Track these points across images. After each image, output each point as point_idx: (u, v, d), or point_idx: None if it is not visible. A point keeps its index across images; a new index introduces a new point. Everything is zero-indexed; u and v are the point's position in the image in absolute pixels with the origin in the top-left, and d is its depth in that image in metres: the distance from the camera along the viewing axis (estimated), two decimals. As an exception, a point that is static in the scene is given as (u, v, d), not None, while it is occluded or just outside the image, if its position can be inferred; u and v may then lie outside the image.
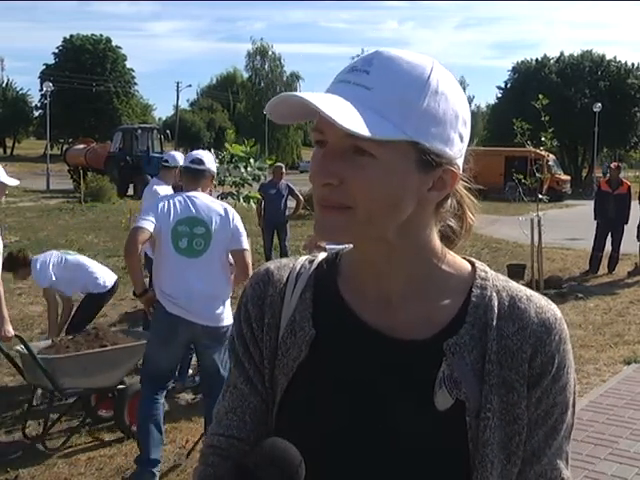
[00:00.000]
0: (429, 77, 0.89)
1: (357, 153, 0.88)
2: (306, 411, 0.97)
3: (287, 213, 10.50)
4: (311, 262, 1.07)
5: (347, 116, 0.83)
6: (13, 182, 4.67)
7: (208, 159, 4.27)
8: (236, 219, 4.08)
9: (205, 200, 4.10)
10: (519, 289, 1.00)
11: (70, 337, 4.79)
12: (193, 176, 4.17)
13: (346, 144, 0.87)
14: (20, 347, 4.44)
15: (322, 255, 1.09)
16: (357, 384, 0.96)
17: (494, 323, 0.95)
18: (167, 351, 4.01)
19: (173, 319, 3.95)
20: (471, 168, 0.99)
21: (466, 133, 0.94)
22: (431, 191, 0.92)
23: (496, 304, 0.96)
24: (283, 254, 10.11)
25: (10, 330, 4.41)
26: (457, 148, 0.93)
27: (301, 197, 10.50)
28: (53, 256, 5.55)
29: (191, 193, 4.10)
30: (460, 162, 0.94)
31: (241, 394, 1.04)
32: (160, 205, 4.03)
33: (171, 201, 4.04)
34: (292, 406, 0.99)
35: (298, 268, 1.06)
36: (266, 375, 1.02)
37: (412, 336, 0.96)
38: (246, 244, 4.09)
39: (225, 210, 4.09)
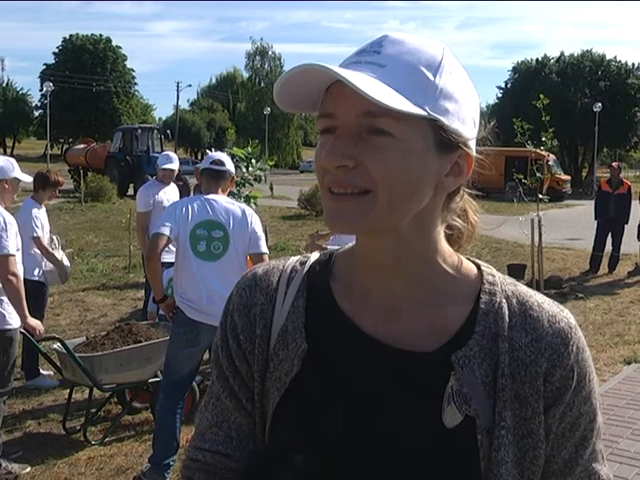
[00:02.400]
0: (442, 57, 0.85)
1: (373, 133, 0.81)
2: (299, 425, 0.91)
3: None
4: (303, 264, 0.99)
5: (372, 87, 0.77)
6: (27, 178, 4.79)
7: (227, 160, 4.26)
8: (254, 222, 4.03)
9: (223, 202, 4.05)
10: (529, 294, 0.93)
11: (104, 334, 4.83)
12: (215, 177, 4.13)
13: (361, 125, 0.81)
14: (57, 346, 4.48)
15: (315, 256, 1.01)
16: (355, 396, 0.89)
17: (505, 333, 0.88)
18: (189, 356, 3.98)
19: (194, 325, 3.92)
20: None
21: (477, 120, 0.90)
22: (448, 176, 0.87)
23: (506, 312, 0.90)
24: None
25: (30, 322, 4.15)
26: (472, 131, 0.89)
27: None
28: None
29: (210, 196, 4.06)
30: (473, 147, 0.90)
31: (225, 408, 0.98)
32: (178, 209, 4.01)
33: (189, 204, 4.02)
34: (285, 420, 0.93)
35: (289, 271, 0.98)
36: (256, 388, 0.96)
37: (417, 347, 0.89)
38: (265, 247, 4.07)
39: (243, 212, 4.04)
